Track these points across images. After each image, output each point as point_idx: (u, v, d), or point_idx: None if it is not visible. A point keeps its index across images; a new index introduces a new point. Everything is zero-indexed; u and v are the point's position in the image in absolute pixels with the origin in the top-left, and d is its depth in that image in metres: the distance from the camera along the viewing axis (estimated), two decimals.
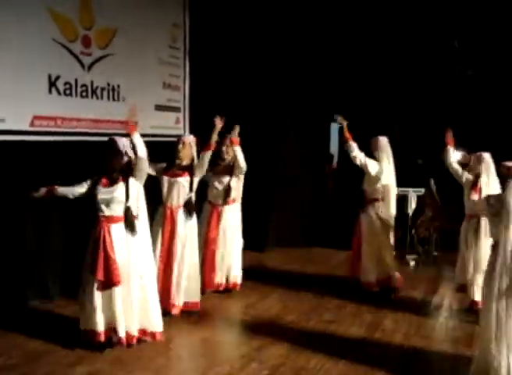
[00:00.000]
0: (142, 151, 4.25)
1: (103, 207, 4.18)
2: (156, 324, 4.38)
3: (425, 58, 8.48)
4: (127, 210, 4.20)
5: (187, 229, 5.06)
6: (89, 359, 4.06)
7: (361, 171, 5.91)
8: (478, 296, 4.91)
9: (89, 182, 4.27)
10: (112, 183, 4.21)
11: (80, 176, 4.33)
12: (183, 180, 5.00)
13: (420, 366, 4.18)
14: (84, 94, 5.74)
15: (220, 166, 5.75)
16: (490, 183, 5.05)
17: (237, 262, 5.87)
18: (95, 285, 4.11)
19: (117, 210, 4.20)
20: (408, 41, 8.32)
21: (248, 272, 6.17)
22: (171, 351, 4.40)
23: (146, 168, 4.34)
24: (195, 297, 5.13)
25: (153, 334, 4.36)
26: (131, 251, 4.23)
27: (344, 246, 8.02)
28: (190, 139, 5.23)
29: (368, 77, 8.61)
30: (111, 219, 4.19)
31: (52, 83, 5.40)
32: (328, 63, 8.55)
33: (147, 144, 4.43)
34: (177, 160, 5.10)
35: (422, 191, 7.70)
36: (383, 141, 5.82)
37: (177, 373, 4.11)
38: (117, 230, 4.20)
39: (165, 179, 5.03)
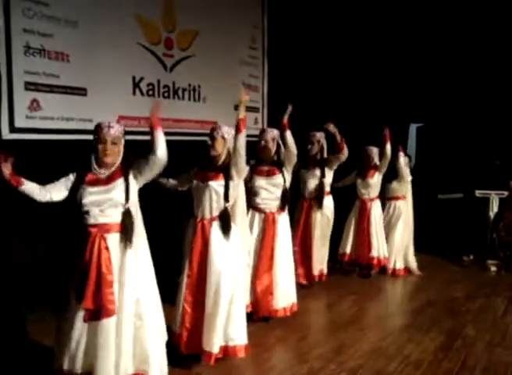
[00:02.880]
0: (162, 148, 3.19)
1: (94, 212, 3.19)
2: (157, 368, 3.33)
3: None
4: (126, 215, 3.22)
5: (226, 248, 3.87)
6: None
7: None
8: None
9: (66, 182, 3.27)
10: (109, 180, 3.24)
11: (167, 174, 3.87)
12: (216, 185, 3.85)
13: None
14: (166, 94, 5.93)
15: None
16: None
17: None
18: (78, 314, 3.15)
19: (113, 215, 3.22)
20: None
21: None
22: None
23: (159, 166, 3.26)
24: (240, 339, 3.95)
25: None
26: (127, 270, 3.21)
27: (424, 250, 7.85)
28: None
29: (448, 78, 8.43)
30: (105, 228, 3.20)
31: (136, 85, 5.61)
32: (407, 63, 8.42)
33: None
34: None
35: (505, 193, 7.42)
36: None
37: (255, 373, 4.11)
38: (113, 243, 3.21)
39: (194, 183, 3.96)
